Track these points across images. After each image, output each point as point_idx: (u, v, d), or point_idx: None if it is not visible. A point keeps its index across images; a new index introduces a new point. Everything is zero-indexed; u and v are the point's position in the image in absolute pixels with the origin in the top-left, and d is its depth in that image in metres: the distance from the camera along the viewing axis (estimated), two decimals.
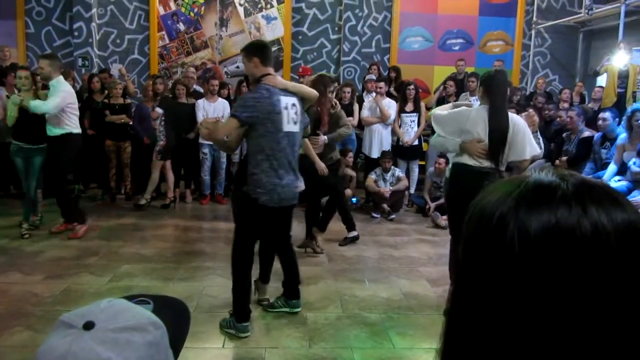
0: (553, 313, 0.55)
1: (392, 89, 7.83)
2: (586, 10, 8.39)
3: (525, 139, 3.64)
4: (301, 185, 3.50)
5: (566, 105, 7.32)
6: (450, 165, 3.88)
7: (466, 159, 3.67)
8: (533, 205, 0.58)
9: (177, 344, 0.81)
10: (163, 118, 6.79)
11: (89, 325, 0.69)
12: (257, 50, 3.40)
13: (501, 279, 0.58)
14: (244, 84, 7.43)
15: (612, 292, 0.55)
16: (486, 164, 3.66)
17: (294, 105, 3.38)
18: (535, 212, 0.57)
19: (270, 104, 3.25)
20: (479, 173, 3.61)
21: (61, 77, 5.30)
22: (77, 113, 5.49)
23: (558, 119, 6.57)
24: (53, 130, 5.26)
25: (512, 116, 3.71)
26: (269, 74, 3.37)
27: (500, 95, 3.66)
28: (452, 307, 0.64)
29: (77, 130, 5.41)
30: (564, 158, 6.03)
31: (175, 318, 0.82)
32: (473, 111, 3.73)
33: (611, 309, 0.55)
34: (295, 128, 3.38)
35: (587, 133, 6.04)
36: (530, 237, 0.56)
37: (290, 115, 3.34)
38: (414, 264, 4.95)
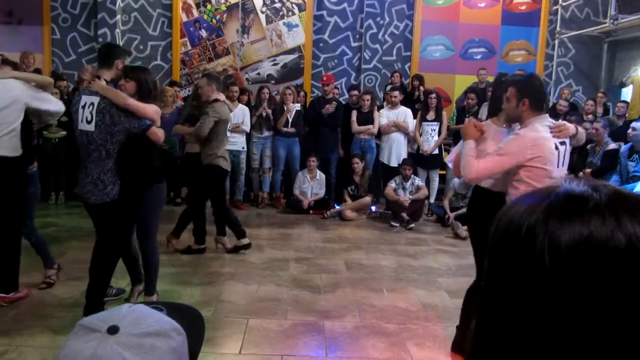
0: (585, 327, 0.54)
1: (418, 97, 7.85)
2: (611, 21, 8.26)
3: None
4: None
5: (590, 117, 7.21)
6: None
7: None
8: (564, 217, 0.56)
9: (194, 350, 0.81)
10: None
11: (113, 330, 0.69)
12: None
13: (530, 292, 0.56)
14: (264, 90, 7.49)
15: None
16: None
17: (91, 104, 3.40)
18: (567, 223, 0.55)
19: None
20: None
21: None
22: None
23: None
24: None
25: None
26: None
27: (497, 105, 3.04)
28: (479, 321, 0.63)
29: None
30: (588, 170, 5.93)
31: (190, 325, 0.82)
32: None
33: None
34: (90, 127, 3.40)
35: (612, 145, 5.94)
36: (561, 250, 0.54)
37: (85, 114, 3.40)
38: (432, 274, 4.90)
